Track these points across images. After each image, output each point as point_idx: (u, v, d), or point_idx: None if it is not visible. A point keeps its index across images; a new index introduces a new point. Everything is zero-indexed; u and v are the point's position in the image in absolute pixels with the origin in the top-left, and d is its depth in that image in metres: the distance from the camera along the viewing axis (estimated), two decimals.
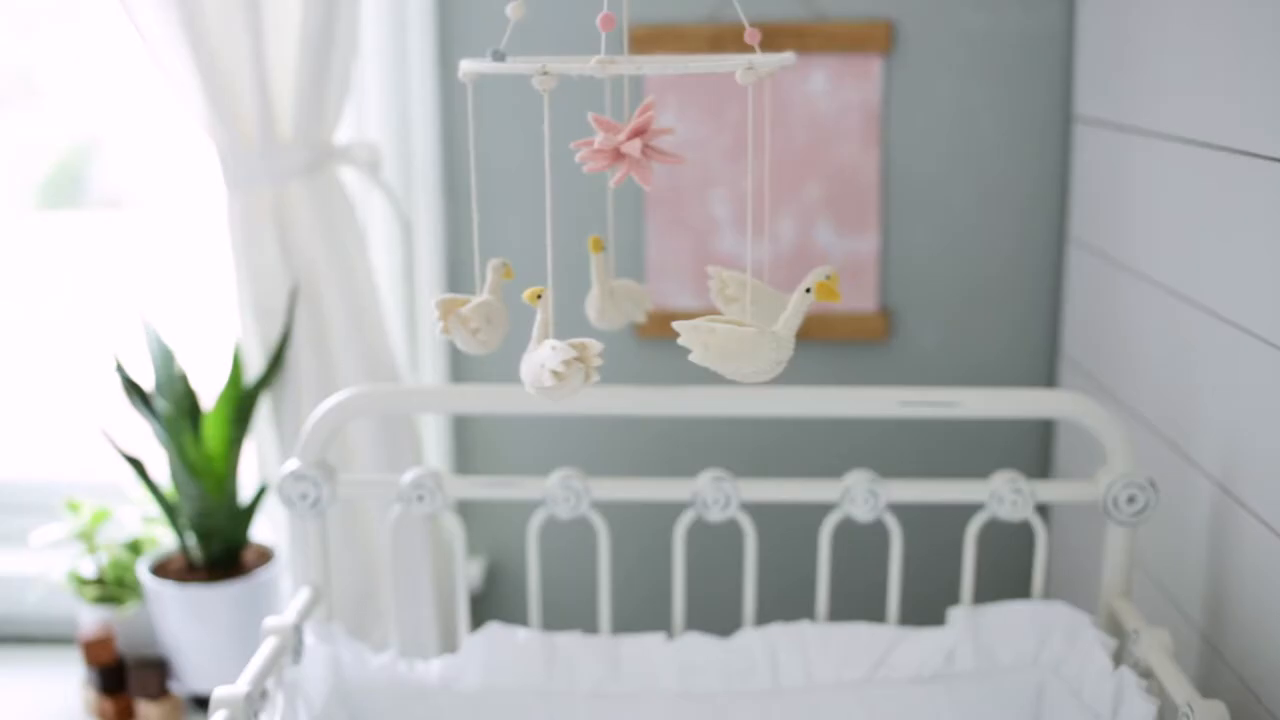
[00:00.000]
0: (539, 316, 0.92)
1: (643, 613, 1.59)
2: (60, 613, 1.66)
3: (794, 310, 0.90)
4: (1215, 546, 1.15)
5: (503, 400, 1.26)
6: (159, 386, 1.48)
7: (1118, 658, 1.13)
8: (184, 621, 1.48)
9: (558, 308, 1.50)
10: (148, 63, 1.40)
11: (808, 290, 0.89)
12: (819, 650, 1.21)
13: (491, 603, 1.73)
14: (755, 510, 1.25)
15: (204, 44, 1.36)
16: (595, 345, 0.88)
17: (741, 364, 0.88)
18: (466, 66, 0.93)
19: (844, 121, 1.54)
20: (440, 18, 1.56)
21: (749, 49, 0.94)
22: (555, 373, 0.87)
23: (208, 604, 1.47)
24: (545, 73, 0.86)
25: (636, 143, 0.86)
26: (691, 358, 0.89)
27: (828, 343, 1.61)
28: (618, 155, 0.86)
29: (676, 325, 0.90)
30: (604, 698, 1.21)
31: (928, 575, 1.57)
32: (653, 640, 1.23)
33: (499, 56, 0.88)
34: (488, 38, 1.58)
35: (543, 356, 0.88)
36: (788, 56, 0.95)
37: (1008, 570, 1.54)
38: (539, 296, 0.92)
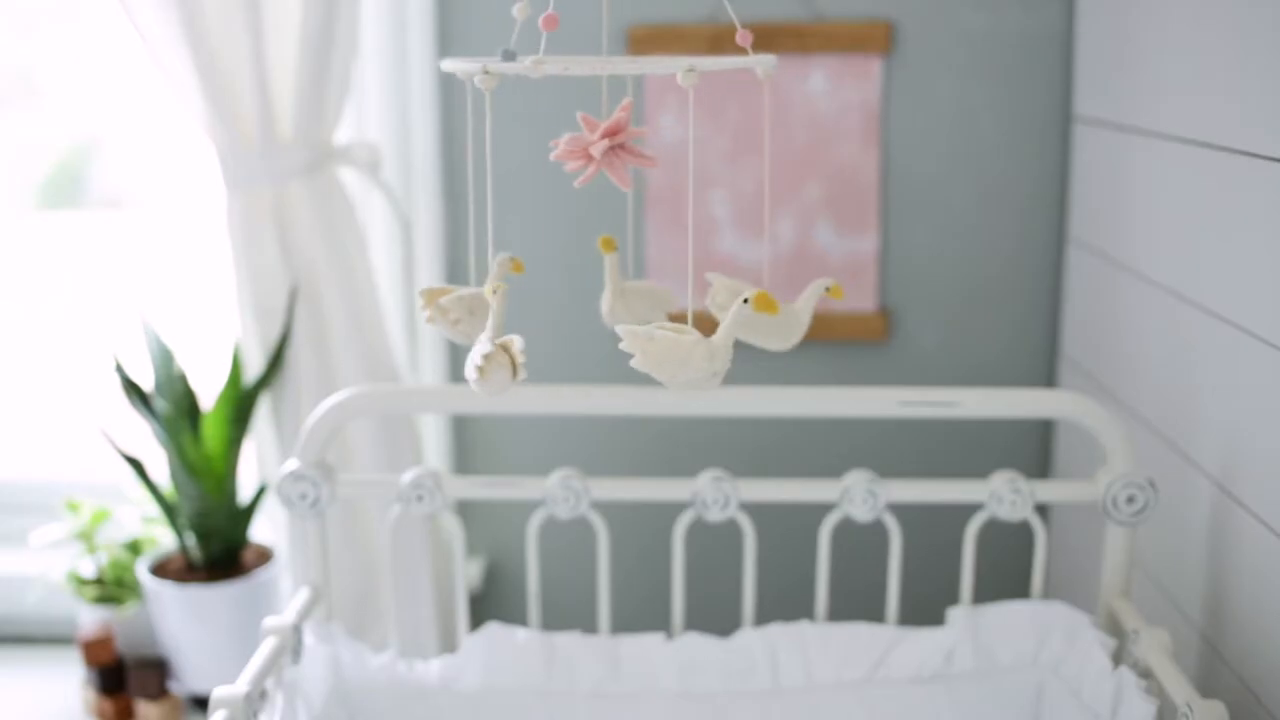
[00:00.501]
0: (491, 312, 0.93)
1: (642, 613, 1.58)
2: (60, 613, 1.66)
3: (731, 321, 0.89)
4: (1215, 546, 1.15)
5: (502, 400, 1.26)
6: (158, 386, 1.48)
7: (1117, 658, 1.13)
8: (183, 621, 1.48)
9: (562, 307, 1.51)
10: (147, 63, 1.40)
11: (745, 301, 0.89)
12: (819, 650, 1.21)
13: (491, 603, 1.73)
14: (755, 510, 1.25)
15: (204, 44, 1.36)
16: (518, 341, 0.89)
17: (677, 372, 0.89)
18: (448, 66, 0.93)
19: (844, 122, 1.54)
20: (440, 18, 1.56)
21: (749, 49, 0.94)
22: (478, 367, 0.88)
23: (207, 604, 1.47)
24: (487, 72, 0.87)
25: (603, 143, 0.86)
26: (633, 363, 0.89)
27: (827, 343, 1.61)
28: (589, 155, 0.87)
29: (620, 330, 0.90)
30: (604, 698, 1.21)
31: (927, 575, 1.57)
32: (652, 640, 1.23)
33: (509, 56, 0.89)
34: (487, 37, 1.59)
35: (472, 351, 0.90)
36: (763, 59, 0.94)
37: (1007, 570, 1.54)
38: (494, 292, 0.93)
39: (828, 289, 1.02)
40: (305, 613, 1.20)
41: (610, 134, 0.86)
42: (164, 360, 1.48)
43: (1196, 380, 1.18)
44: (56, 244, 1.93)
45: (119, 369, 1.45)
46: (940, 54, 1.53)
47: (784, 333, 1.02)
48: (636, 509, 1.46)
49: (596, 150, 0.86)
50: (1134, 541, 1.19)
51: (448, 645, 1.55)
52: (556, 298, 1.61)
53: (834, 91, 1.53)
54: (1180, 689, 1.02)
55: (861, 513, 1.21)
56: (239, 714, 1.02)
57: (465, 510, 1.68)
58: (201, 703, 1.53)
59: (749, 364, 1.08)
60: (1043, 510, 1.62)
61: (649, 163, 0.89)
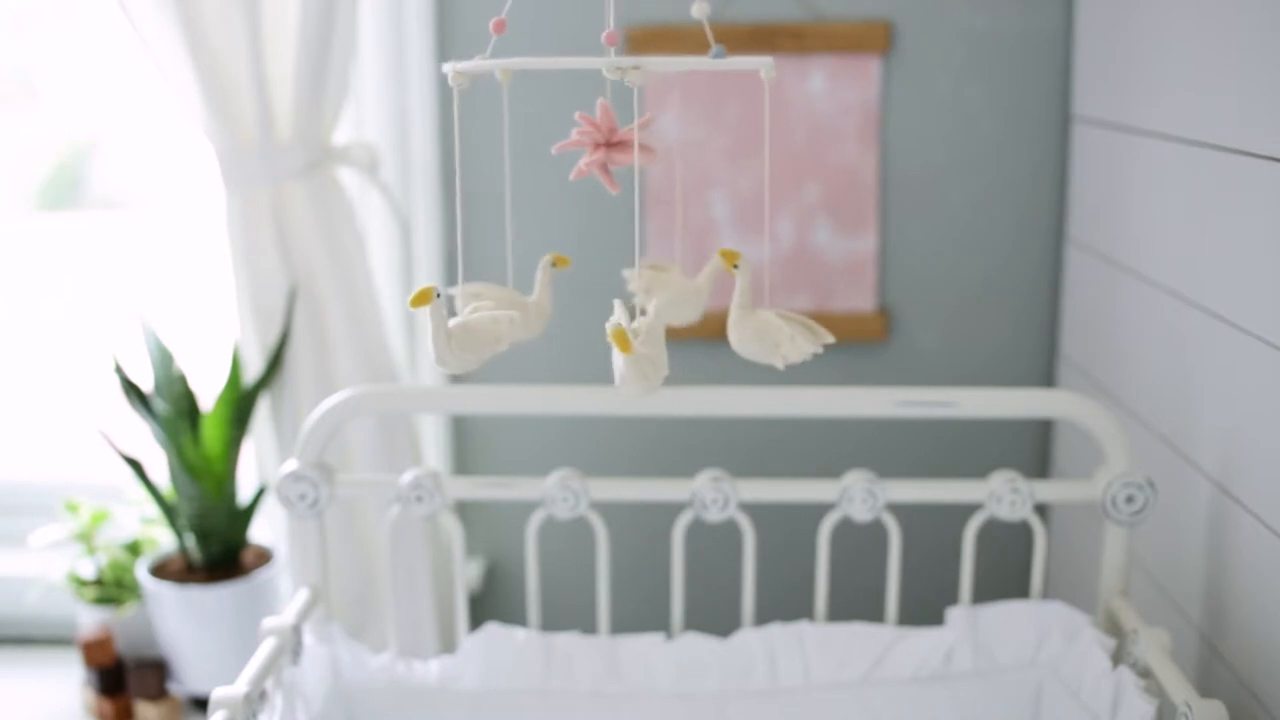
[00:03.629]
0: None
1: (641, 613, 1.59)
2: (59, 614, 1.66)
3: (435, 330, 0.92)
4: (1214, 546, 1.15)
5: (501, 401, 1.26)
6: (158, 387, 1.48)
7: (1116, 657, 1.13)
8: (183, 622, 1.48)
9: (561, 307, 1.51)
10: (146, 64, 1.40)
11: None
12: (817, 650, 1.21)
13: (490, 603, 1.73)
14: (754, 510, 1.25)
15: (202, 45, 1.36)
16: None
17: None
18: (449, 69, 0.94)
19: (842, 122, 1.54)
20: (438, 18, 1.56)
21: (747, 50, 0.94)
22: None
23: (207, 605, 1.47)
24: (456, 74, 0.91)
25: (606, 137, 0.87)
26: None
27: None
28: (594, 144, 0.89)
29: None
30: (603, 698, 1.21)
31: (926, 575, 1.57)
32: (651, 640, 1.23)
33: (720, 54, 0.90)
34: (487, 37, 1.58)
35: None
36: (763, 60, 0.94)
37: (1006, 570, 1.54)
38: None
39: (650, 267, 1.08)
40: (304, 613, 1.20)
41: (611, 132, 0.87)
42: (163, 361, 1.48)
43: (1195, 380, 1.18)
44: (56, 245, 1.93)
45: (118, 370, 1.45)
46: (939, 54, 1.53)
47: (688, 309, 1.08)
48: (635, 509, 1.46)
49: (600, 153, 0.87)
50: (1133, 541, 1.19)
51: (447, 646, 1.55)
52: (555, 298, 1.61)
53: (833, 92, 1.53)
54: (1179, 689, 1.02)
55: (860, 513, 1.21)
56: (238, 714, 1.02)
57: (464, 511, 1.68)
58: (201, 703, 1.53)
59: (747, 364, 1.07)
60: (1042, 510, 1.62)
61: (648, 156, 0.90)
